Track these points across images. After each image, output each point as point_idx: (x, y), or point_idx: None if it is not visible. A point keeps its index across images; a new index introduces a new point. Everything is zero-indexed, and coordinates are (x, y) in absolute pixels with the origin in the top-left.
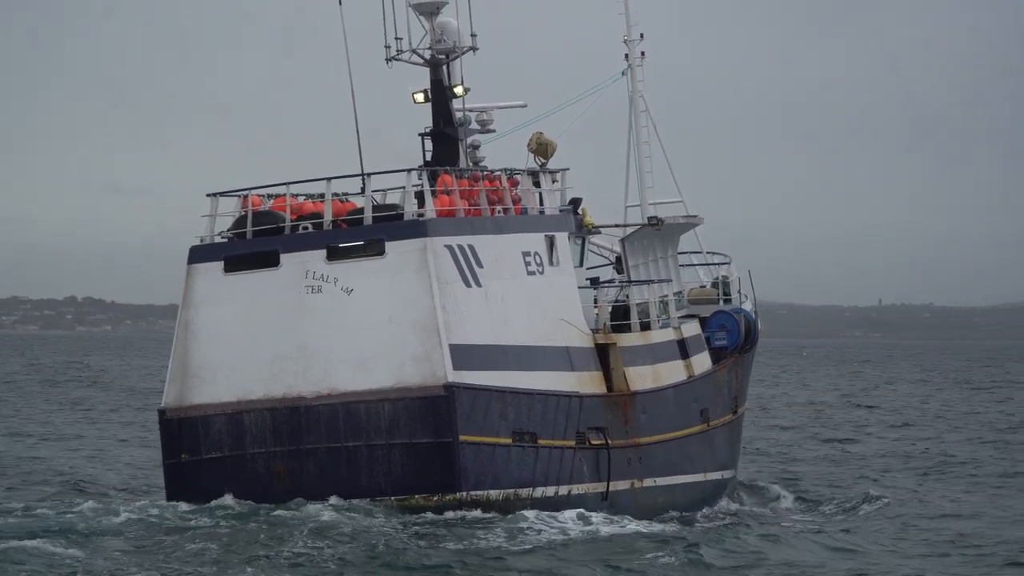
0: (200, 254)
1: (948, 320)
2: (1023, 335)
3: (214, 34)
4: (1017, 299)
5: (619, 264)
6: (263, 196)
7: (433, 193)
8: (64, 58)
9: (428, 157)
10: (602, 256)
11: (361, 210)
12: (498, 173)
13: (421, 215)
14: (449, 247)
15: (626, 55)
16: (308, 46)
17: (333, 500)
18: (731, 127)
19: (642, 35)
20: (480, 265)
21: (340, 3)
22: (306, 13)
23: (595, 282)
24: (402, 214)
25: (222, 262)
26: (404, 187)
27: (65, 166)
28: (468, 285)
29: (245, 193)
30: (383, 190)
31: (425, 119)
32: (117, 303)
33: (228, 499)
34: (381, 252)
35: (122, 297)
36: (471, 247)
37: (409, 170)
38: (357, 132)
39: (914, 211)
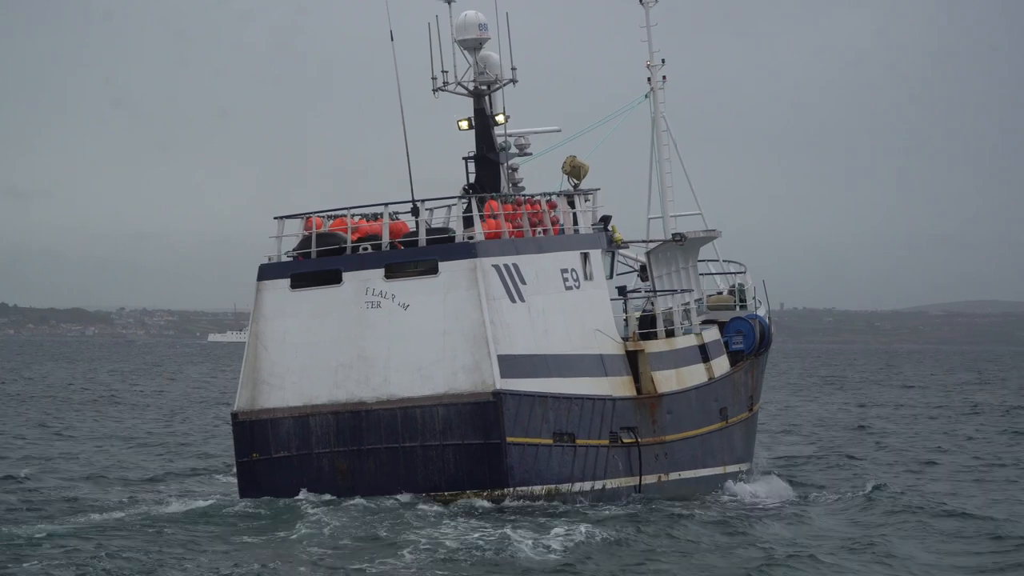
0: (269, 272)
1: (850, 324)
2: (921, 338)
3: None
4: (918, 303)
5: (643, 272)
6: (324, 218)
7: (481, 217)
8: None
9: (471, 179)
10: (627, 265)
11: (416, 233)
12: (538, 197)
13: (471, 237)
14: (496, 266)
15: (648, 79)
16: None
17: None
18: None
19: (663, 60)
20: (523, 282)
21: (392, 39)
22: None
23: (623, 291)
24: (453, 236)
25: (289, 279)
26: (453, 211)
27: None
28: (513, 300)
29: (308, 216)
30: (432, 205)
31: (466, 145)
32: (20, 307)
33: (302, 494)
34: (435, 271)
35: (24, 301)
36: (515, 265)
37: (460, 197)
38: (408, 160)
39: (819, 217)
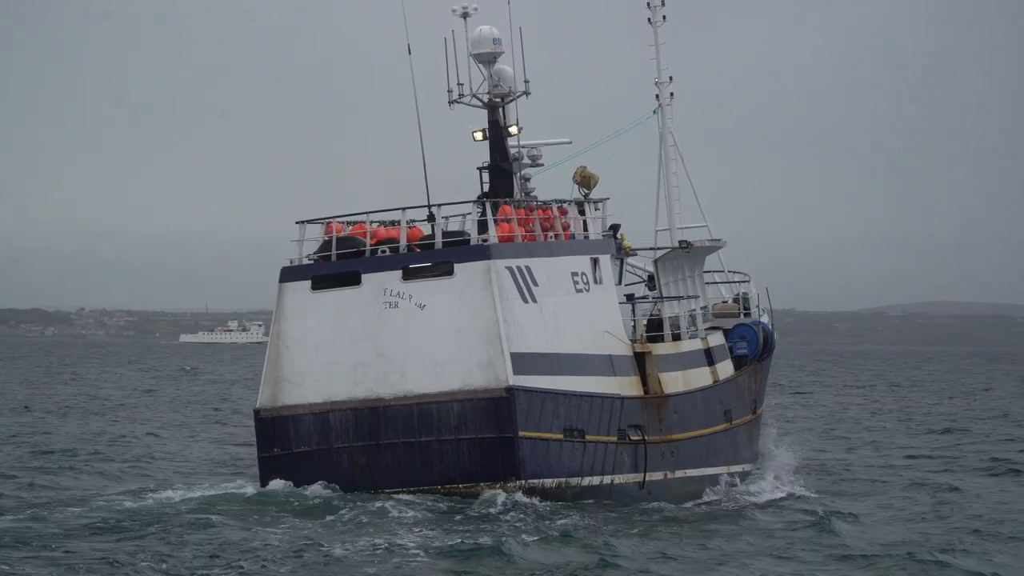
0: (290, 274)
1: (809, 325)
2: (880, 339)
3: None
4: (874, 305)
5: (651, 281)
6: (344, 223)
7: (495, 221)
8: None
9: (486, 188)
10: (635, 275)
11: (432, 236)
12: (550, 203)
13: (485, 240)
14: (509, 268)
15: (656, 96)
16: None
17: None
18: None
19: (671, 78)
20: (535, 284)
21: (409, 52)
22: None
23: (631, 298)
24: (468, 239)
25: (310, 281)
26: (470, 215)
27: None
28: (525, 301)
29: (328, 220)
30: (448, 212)
31: (481, 155)
32: None
33: (318, 487)
34: (450, 272)
35: None
36: (528, 268)
37: (475, 201)
38: (424, 168)
39: (778, 218)
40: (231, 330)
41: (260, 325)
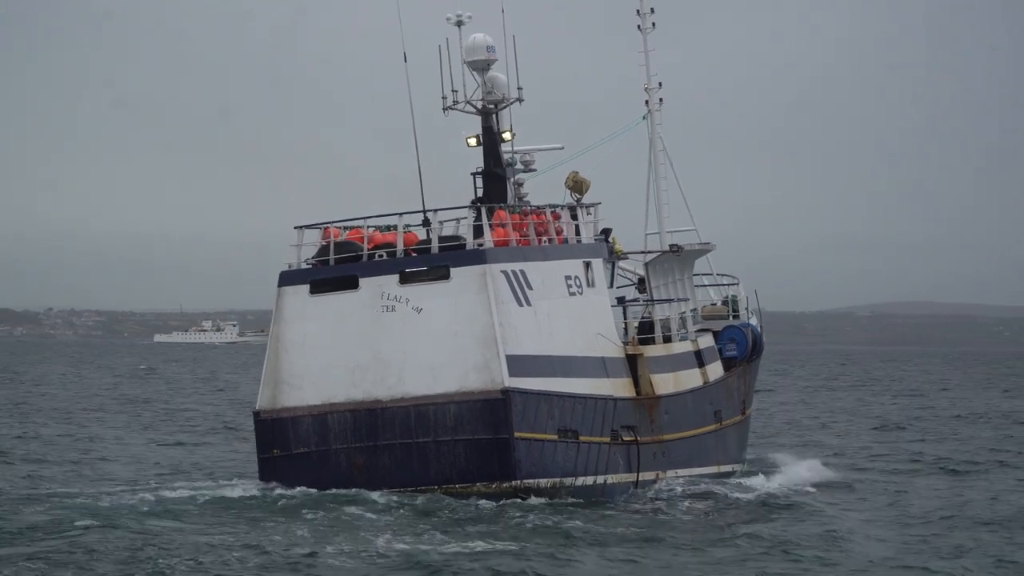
0: (289, 278)
1: (777, 325)
2: (848, 339)
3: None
4: (845, 304)
5: (641, 284)
6: (341, 228)
7: (490, 226)
8: None
9: (480, 193)
10: (626, 278)
11: (428, 241)
12: (543, 208)
13: (480, 245)
14: (504, 272)
15: (646, 101)
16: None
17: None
18: None
19: (660, 84)
20: (530, 287)
21: (405, 60)
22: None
23: (622, 301)
24: (464, 244)
25: (308, 285)
26: (466, 220)
27: None
28: (520, 304)
29: (326, 225)
30: (443, 215)
31: (475, 160)
32: None
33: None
34: (446, 276)
35: None
36: (522, 272)
37: (470, 207)
38: (420, 174)
39: (749, 221)
40: (205, 330)
41: (235, 325)
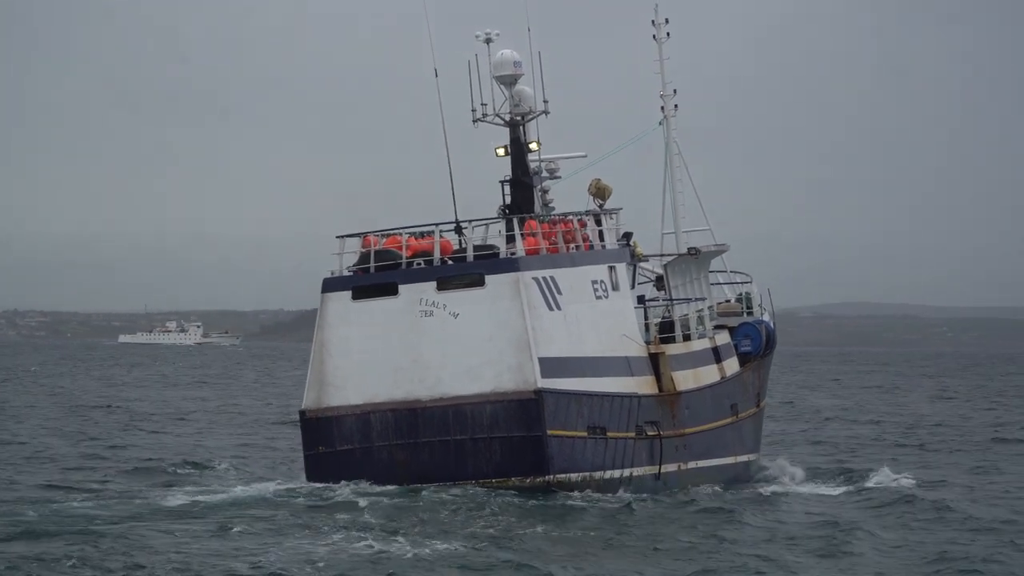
0: (332, 284)
1: None
2: (790, 340)
3: None
4: (789, 305)
5: (659, 282)
6: (379, 236)
7: (522, 235)
8: None
9: (507, 201)
10: (644, 275)
11: (463, 249)
12: (570, 217)
13: (513, 253)
14: (536, 279)
15: (662, 107)
16: None
17: None
18: None
19: (675, 91)
20: (560, 292)
21: (436, 75)
22: None
23: (642, 300)
24: (498, 252)
25: (350, 291)
26: (492, 229)
27: None
28: (551, 309)
29: (367, 235)
30: (475, 222)
31: (503, 169)
32: None
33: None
34: (481, 283)
35: None
36: (552, 278)
37: (502, 218)
38: (452, 186)
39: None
40: (170, 331)
41: (199, 326)
